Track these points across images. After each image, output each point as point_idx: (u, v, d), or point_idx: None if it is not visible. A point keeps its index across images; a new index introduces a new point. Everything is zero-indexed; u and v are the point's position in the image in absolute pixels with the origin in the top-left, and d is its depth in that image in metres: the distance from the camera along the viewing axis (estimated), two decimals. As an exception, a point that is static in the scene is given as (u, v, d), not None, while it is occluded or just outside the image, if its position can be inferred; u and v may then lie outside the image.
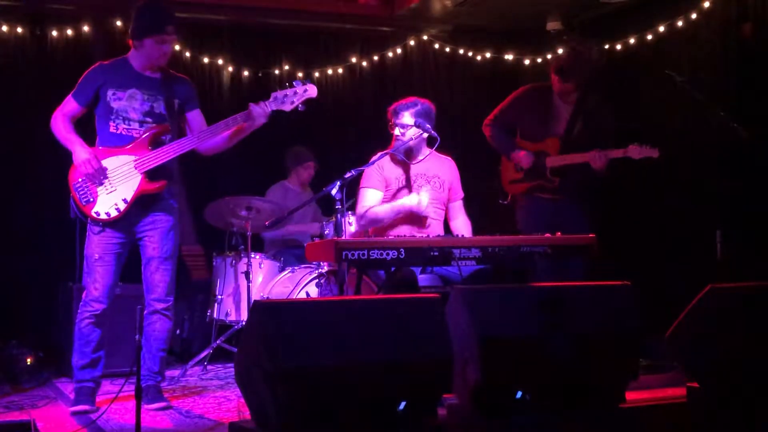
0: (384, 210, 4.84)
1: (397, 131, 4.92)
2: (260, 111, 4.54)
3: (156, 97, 4.61)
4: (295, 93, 4.60)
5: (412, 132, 4.88)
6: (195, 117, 4.75)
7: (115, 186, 4.49)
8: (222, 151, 4.77)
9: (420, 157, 4.98)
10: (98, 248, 4.54)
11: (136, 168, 4.50)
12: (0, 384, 5.40)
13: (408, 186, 4.96)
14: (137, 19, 4.57)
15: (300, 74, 7.45)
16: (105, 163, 4.50)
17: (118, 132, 4.55)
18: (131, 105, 4.56)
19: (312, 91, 4.63)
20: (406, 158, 4.96)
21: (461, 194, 5.15)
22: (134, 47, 4.60)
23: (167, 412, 4.49)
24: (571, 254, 4.59)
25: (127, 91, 4.56)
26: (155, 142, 4.56)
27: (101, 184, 4.48)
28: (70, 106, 4.61)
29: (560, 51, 7.26)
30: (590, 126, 5.44)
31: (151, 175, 4.52)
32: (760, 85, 5.88)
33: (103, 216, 4.49)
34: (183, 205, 7.29)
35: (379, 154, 4.89)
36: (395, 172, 4.98)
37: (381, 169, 4.94)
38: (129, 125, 4.55)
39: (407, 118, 4.89)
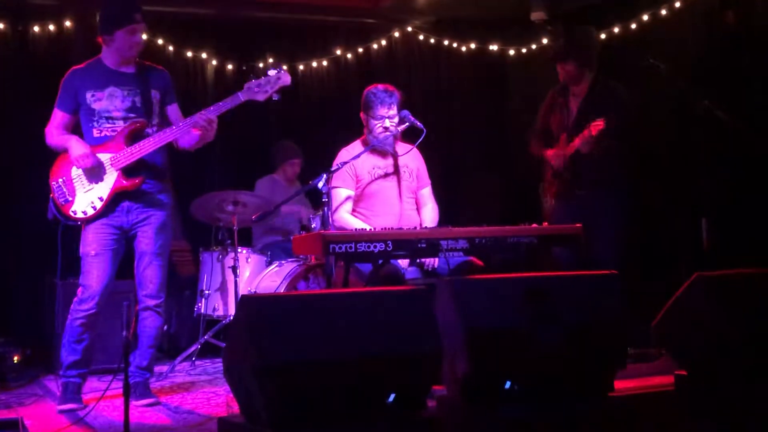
0: (350, 227, 4.74)
1: (387, 123, 4.85)
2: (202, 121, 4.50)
3: (135, 92, 4.57)
4: (268, 81, 4.56)
5: (395, 123, 4.85)
6: (173, 111, 4.73)
7: (92, 184, 4.48)
8: (195, 148, 4.72)
9: (396, 148, 4.96)
10: (94, 244, 4.52)
11: (111, 165, 4.47)
12: (-13, 383, 5.38)
13: (384, 177, 4.91)
14: (105, 13, 4.54)
15: (284, 67, 7.40)
16: None
17: (102, 135, 4.52)
18: (112, 104, 4.52)
19: (285, 78, 4.59)
20: (384, 151, 4.93)
21: (428, 182, 5.12)
22: (105, 44, 4.56)
23: (156, 408, 4.48)
24: (558, 244, 4.61)
25: (105, 90, 4.52)
26: (132, 139, 4.51)
27: (92, 181, 4.46)
28: (58, 117, 4.60)
29: (545, 41, 7.30)
30: (600, 113, 5.32)
31: (127, 171, 4.49)
32: (743, 72, 5.89)
33: (80, 215, 4.47)
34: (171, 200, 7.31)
35: (343, 150, 4.87)
36: (368, 165, 4.93)
37: (352, 165, 4.86)
38: (113, 124, 4.52)
39: (393, 109, 4.86)
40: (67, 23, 6.68)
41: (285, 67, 4.66)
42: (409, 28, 7.74)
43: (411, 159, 5.04)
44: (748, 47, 5.91)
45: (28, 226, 6.37)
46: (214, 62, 7.19)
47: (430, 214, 5.03)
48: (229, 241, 6.21)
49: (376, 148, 4.90)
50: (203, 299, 6.18)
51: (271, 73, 4.57)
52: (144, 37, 6.71)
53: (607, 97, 5.43)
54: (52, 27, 6.66)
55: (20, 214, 6.43)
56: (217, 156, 7.32)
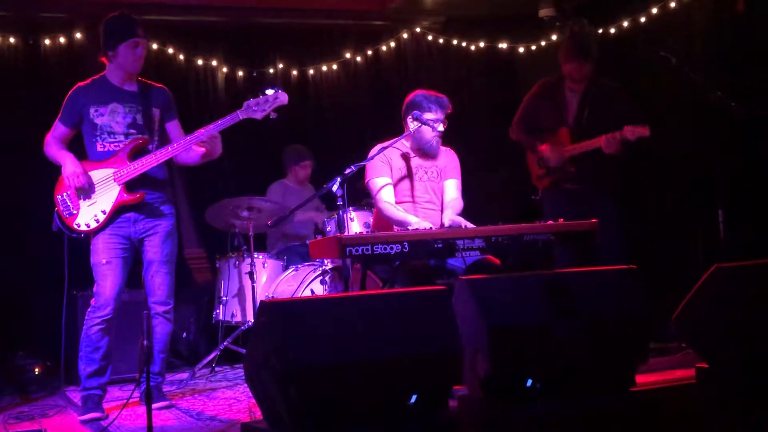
0: (395, 216, 4.76)
1: (440, 127, 4.86)
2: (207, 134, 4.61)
3: (137, 109, 4.71)
4: (266, 101, 4.69)
5: (428, 129, 4.87)
6: (173, 127, 4.86)
7: (96, 198, 4.63)
8: (200, 164, 4.85)
9: (432, 152, 4.97)
10: (104, 254, 4.65)
11: (115, 180, 4.62)
12: (9, 395, 5.40)
13: (410, 176, 4.92)
14: (108, 30, 4.69)
15: (294, 72, 7.44)
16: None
17: (105, 149, 4.67)
18: (114, 119, 4.67)
19: (283, 98, 4.71)
20: (420, 153, 4.94)
21: (456, 175, 5.05)
22: (109, 60, 4.71)
23: (178, 415, 4.50)
24: (574, 240, 4.58)
25: (108, 106, 4.67)
26: (135, 154, 4.65)
27: (88, 197, 4.62)
28: (59, 129, 4.77)
29: (555, 37, 7.28)
30: (598, 111, 5.43)
31: (129, 186, 4.63)
32: (754, 62, 5.86)
33: (83, 227, 4.63)
34: (183, 208, 7.33)
35: (379, 146, 4.87)
36: (398, 163, 4.95)
37: (387, 159, 4.90)
38: (115, 139, 4.66)
39: (442, 115, 4.88)
40: (78, 36, 6.71)
41: (281, 89, 4.77)
42: (418, 29, 7.74)
43: (441, 158, 5.05)
44: (760, 37, 5.87)
45: (47, 239, 6.39)
46: (225, 69, 7.22)
47: (451, 204, 4.94)
48: (245, 247, 6.22)
49: (421, 149, 4.93)
50: (221, 306, 6.20)
51: (270, 92, 4.71)
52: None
53: (607, 93, 5.47)
54: (62, 40, 6.71)
55: (39, 227, 6.43)
56: (230, 162, 7.34)
